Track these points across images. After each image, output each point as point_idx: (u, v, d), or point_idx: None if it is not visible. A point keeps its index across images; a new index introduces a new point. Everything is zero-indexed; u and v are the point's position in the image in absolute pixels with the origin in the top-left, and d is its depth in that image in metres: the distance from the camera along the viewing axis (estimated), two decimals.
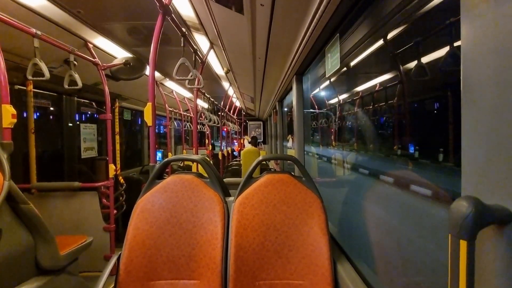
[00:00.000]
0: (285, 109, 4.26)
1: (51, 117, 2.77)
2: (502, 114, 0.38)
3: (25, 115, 2.15)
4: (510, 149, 0.37)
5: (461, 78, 0.45)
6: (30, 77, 1.66)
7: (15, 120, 1.37)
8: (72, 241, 1.71)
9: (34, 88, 2.15)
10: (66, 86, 1.95)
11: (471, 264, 0.35)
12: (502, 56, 0.38)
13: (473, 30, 0.43)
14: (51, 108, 2.68)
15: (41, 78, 1.65)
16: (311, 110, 2.51)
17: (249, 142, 5.59)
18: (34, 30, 1.59)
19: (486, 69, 0.40)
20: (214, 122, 4.37)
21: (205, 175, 1.35)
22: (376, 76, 1.32)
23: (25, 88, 2.11)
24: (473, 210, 0.35)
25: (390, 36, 1.16)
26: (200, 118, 4.00)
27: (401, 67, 1.08)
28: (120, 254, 1.15)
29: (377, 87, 1.28)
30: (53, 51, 1.88)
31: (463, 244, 0.35)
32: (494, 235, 0.38)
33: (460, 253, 0.35)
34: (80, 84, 1.93)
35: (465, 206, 0.35)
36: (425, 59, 0.95)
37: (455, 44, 0.76)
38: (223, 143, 6.07)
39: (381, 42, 1.23)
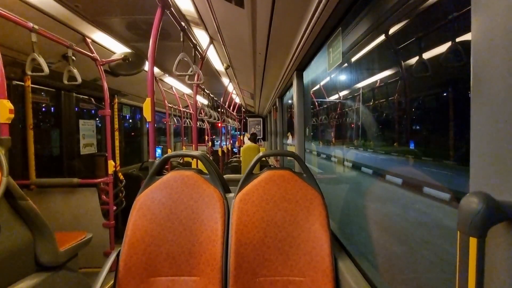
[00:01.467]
0: (290, 102, 4.17)
1: (50, 113, 2.75)
2: None
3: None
4: None
5: (471, 71, 0.43)
6: (29, 73, 1.63)
7: (12, 116, 1.35)
8: (71, 237, 1.70)
9: (32, 83, 2.12)
10: (65, 82, 1.92)
11: (481, 262, 0.34)
12: None
13: (484, 22, 0.41)
14: (50, 104, 2.66)
15: (40, 74, 1.62)
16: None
17: (249, 139, 5.57)
18: (31, 25, 1.56)
19: (497, 62, 0.39)
20: (215, 119, 4.35)
21: (205, 171, 1.34)
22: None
23: (23, 83, 2.09)
24: (484, 206, 0.33)
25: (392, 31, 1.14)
26: (200, 115, 3.98)
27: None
28: (120, 250, 1.15)
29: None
30: (51, 46, 1.86)
31: (473, 242, 0.34)
32: (507, 233, 0.37)
33: (469, 251, 0.34)
34: (79, 79, 1.91)
35: (476, 202, 0.34)
36: None
37: (459, 39, 0.75)
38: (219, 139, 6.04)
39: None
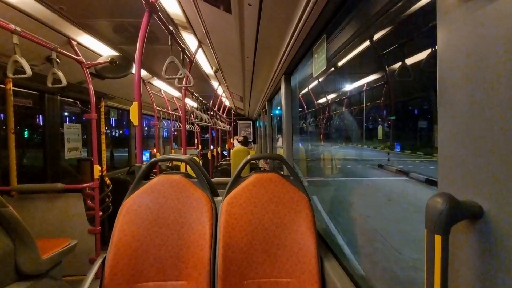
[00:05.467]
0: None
1: (32, 116, 2.67)
2: (474, 114, 0.40)
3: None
4: (481, 147, 0.39)
5: (437, 79, 0.47)
6: (10, 75, 1.59)
7: None
8: (54, 244, 1.65)
9: (14, 86, 2.06)
10: (49, 85, 1.88)
11: (445, 257, 0.37)
12: (475, 59, 0.40)
13: (448, 34, 0.44)
14: (33, 108, 2.58)
15: (22, 76, 1.58)
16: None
17: (239, 142, 5.59)
18: (13, 26, 1.53)
19: (460, 71, 0.42)
20: (205, 122, 4.34)
21: (194, 175, 1.34)
22: None
23: (4, 86, 2.03)
24: (447, 206, 0.36)
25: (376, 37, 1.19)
26: (190, 118, 3.97)
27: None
28: (105, 256, 1.13)
29: None
30: (34, 48, 1.82)
31: (437, 239, 0.37)
32: (466, 230, 0.40)
33: (435, 247, 0.37)
34: (64, 82, 1.87)
35: (440, 203, 0.37)
36: None
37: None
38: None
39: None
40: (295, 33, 1.33)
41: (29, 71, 1.58)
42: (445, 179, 0.45)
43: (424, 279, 0.39)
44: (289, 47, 1.54)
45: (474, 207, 0.39)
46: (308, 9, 1.09)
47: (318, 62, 1.39)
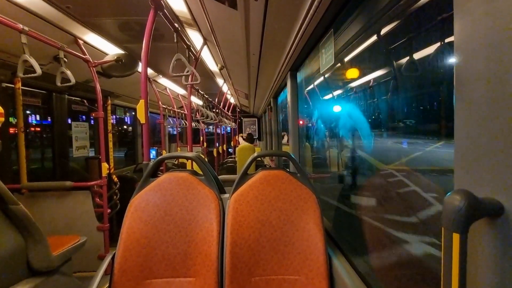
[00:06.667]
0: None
1: (41, 115, 2.71)
2: (494, 109, 0.38)
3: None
4: (501, 142, 0.37)
5: (454, 73, 0.45)
6: (20, 75, 1.61)
7: (2, 119, 1.34)
8: (65, 241, 1.68)
9: (22, 85, 2.09)
10: (58, 84, 1.90)
11: (464, 256, 0.35)
12: (494, 51, 0.38)
13: (466, 25, 0.43)
14: (41, 106, 2.62)
15: (32, 75, 1.60)
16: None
17: (244, 139, 5.58)
18: (21, 26, 1.54)
19: (479, 64, 0.41)
20: (211, 119, 4.35)
21: (200, 172, 1.35)
22: None
23: (13, 85, 2.06)
24: (466, 203, 0.35)
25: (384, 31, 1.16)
26: (196, 116, 3.98)
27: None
28: (115, 253, 1.14)
29: None
30: (42, 47, 1.84)
31: (456, 237, 0.35)
32: (486, 228, 0.39)
33: (453, 246, 0.36)
34: (73, 80, 1.89)
35: (458, 200, 0.35)
36: None
37: (448, 40, 0.77)
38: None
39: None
40: (302, 28, 1.31)
41: (38, 70, 1.60)
42: (462, 175, 0.43)
43: (441, 280, 0.37)
44: (295, 43, 1.52)
45: (494, 204, 0.37)
46: (315, 2, 1.07)
47: (325, 58, 1.36)
